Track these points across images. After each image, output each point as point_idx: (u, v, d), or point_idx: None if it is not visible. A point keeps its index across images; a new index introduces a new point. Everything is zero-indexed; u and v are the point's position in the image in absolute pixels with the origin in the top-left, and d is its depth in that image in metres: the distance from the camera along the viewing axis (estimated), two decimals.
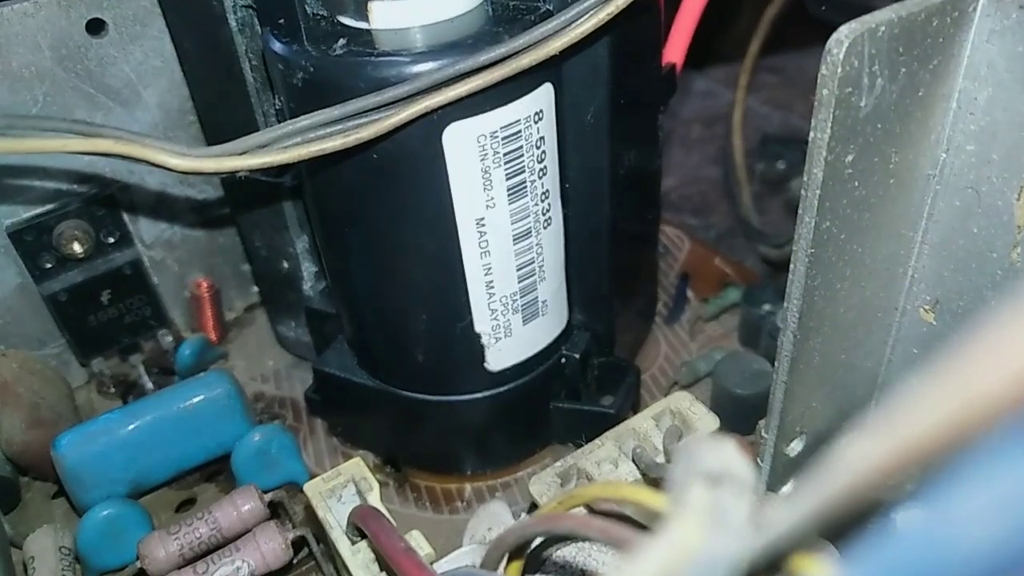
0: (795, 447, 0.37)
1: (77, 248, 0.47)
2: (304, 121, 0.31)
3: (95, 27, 0.44)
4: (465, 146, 0.33)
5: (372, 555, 0.32)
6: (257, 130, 0.41)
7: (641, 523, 0.23)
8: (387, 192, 0.35)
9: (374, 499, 0.34)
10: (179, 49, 0.42)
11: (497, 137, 0.33)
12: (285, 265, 0.47)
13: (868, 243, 0.32)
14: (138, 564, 0.38)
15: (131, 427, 0.42)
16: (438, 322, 0.39)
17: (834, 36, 0.26)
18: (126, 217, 0.49)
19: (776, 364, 0.34)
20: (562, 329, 0.42)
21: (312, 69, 0.32)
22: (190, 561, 0.37)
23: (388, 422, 0.44)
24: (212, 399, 0.43)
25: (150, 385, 0.51)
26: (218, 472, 0.46)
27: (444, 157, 0.33)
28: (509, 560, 0.26)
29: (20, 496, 0.45)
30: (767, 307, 0.48)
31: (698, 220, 0.73)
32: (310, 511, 0.42)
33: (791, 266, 0.31)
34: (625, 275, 0.45)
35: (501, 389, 0.42)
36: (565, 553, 0.29)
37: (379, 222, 0.36)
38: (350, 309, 0.42)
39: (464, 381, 0.41)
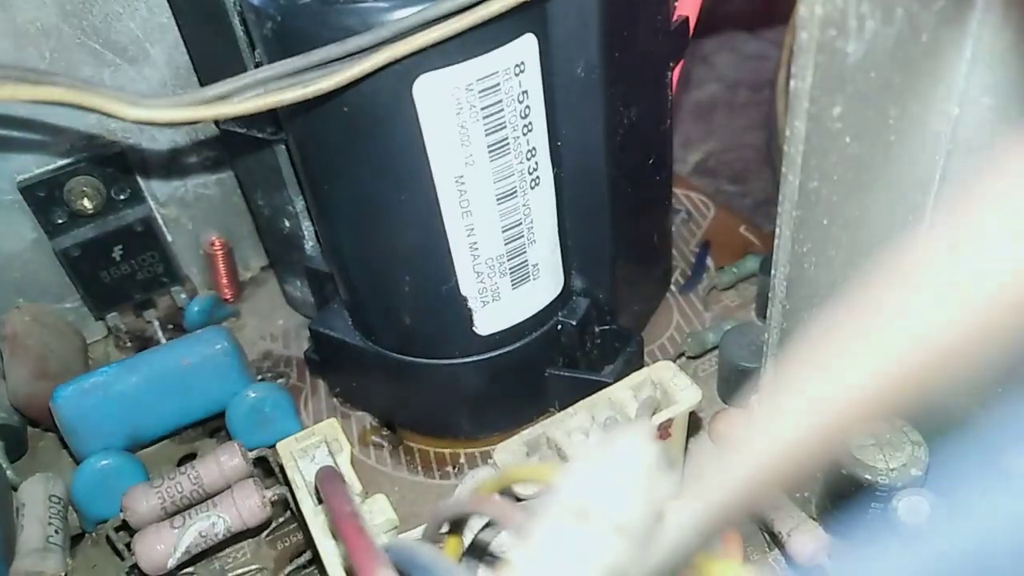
0: None
1: (87, 204, 0.48)
2: (266, 72, 0.30)
3: None
4: (438, 99, 0.32)
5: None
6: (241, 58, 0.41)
7: None
8: (362, 148, 0.34)
9: (343, 460, 0.34)
10: (172, 4, 0.42)
11: (473, 90, 0.32)
12: (287, 224, 0.46)
13: (868, 206, 0.29)
14: (121, 516, 0.38)
15: (128, 381, 0.42)
16: (423, 284, 0.38)
17: None
18: (137, 174, 0.49)
19: (766, 336, 0.32)
20: (557, 294, 0.41)
21: (280, 18, 0.31)
22: (171, 515, 0.38)
23: (382, 384, 0.43)
24: (209, 355, 0.43)
25: (164, 339, 0.52)
26: (219, 428, 0.46)
27: (416, 111, 0.32)
28: (449, 534, 0.25)
29: (27, 445, 0.46)
30: None
31: (735, 187, 0.70)
32: None
33: (775, 230, 0.29)
34: (630, 240, 0.43)
35: (493, 354, 0.40)
36: (504, 539, 0.28)
37: (356, 179, 0.35)
38: (339, 270, 0.41)
39: (454, 345, 0.40)
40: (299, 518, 0.38)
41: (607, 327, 0.43)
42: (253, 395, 0.43)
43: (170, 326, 0.53)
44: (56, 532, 0.38)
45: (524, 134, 0.34)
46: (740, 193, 0.69)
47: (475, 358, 0.40)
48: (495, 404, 0.43)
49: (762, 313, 0.48)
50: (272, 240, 0.49)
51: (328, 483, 0.29)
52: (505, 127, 0.34)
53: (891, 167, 0.29)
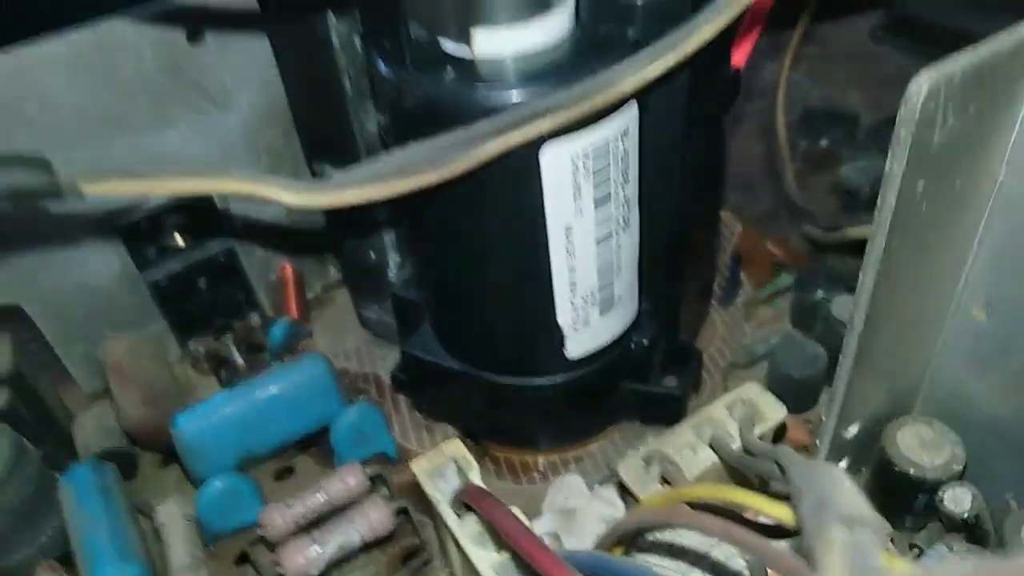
0: (852, 430, 0.41)
1: (179, 240, 0.51)
2: (411, 150, 0.34)
3: (194, 36, 0.47)
4: (560, 164, 0.36)
5: (479, 528, 0.36)
6: (351, 135, 0.45)
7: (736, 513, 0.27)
8: (487, 205, 0.38)
9: (475, 477, 0.38)
10: (281, 63, 0.45)
11: (588, 155, 0.37)
12: (372, 256, 0.50)
13: (930, 254, 0.35)
14: (257, 531, 0.42)
15: (241, 406, 0.46)
16: (524, 316, 0.42)
17: (914, 81, 0.28)
18: (221, 211, 0.53)
19: (841, 359, 0.38)
20: (633, 317, 0.46)
21: (424, 95, 0.35)
22: (304, 529, 0.42)
23: (470, 401, 0.48)
24: (312, 381, 0.47)
25: (240, 361, 0.55)
26: (312, 444, 0.50)
27: (540, 174, 0.36)
28: (615, 546, 0.31)
29: (138, 467, 0.50)
30: (820, 293, 0.51)
31: (743, 198, 0.76)
32: (404, 484, 0.47)
33: (860, 276, 0.34)
34: (689, 263, 0.49)
35: (577, 373, 0.45)
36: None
37: (477, 230, 0.40)
38: (441, 302, 0.46)
39: (544, 366, 0.45)
40: (418, 525, 0.43)
41: (669, 342, 0.49)
42: (355, 415, 0.47)
43: (243, 347, 0.56)
44: (198, 549, 0.42)
45: (622, 186, 0.39)
46: (748, 203, 0.75)
47: (562, 377, 0.45)
48: (575, 417, 0.48)
49: (798, 324, 0.54)
50: (353, 269, 0.53)
51: (487, 501, 0.34)
52: (609, 182, 0.38)
53: (951, 223, 0.35)
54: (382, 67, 0.37)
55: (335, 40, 0.41)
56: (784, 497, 0.25)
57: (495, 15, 0.35)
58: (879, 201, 0.31)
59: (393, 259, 0.50)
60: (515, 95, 0.34)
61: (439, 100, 0.35)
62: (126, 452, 0.48)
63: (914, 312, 0.38)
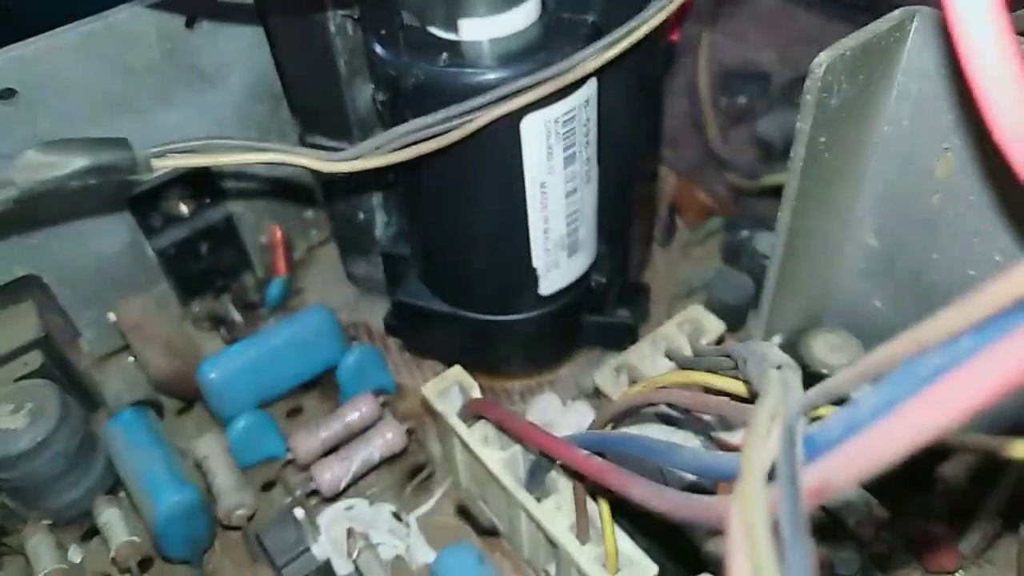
0: (775, 341, 0.51)
1: (184, 209, 0.56)
2: (415, 123, 0.41)
3: (191, 22, 0.52)
4: (537, 130, 0.44)
5: (484, 432, 0.44)
6: (344, 111, 0.51)
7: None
8: (474, 168, 0.45)
9: (476, 394, 0.46)
10: (278, 45, 0.51)
11: (559, 121, 0.44)
12: (361, 216, 0.57)
13: (831, 193, 0.44)
14: (288, 456, 0.49)
15: (257, 353, 0.52)
16: (505, 262, 0.50)
17: (816, 60, 0.37)
18: (220, 181, 0.58)
19: (765, 283, 0.47)
20: (593, 259, 0.54)
21: (423, 77, 0.42)
22: (328, 452, 0.49)
23: (456, 338, 0.56)
24: (318, 328, 0.54)
25: (239, 318, 0.61)
26: (313, 385, 0.57)
27: (520, 140, 0.44)
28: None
29: (164, 414, 0.56)
30: (744, 232, 0.61)
31: (671, 151, 0.85)
32: (405, 411, 0.54)
33: (779, 214, 0.43)
34: (635, 211, 0.57)
35: (548, 309, 0.53)
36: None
37: (465, 190, 0.47)
38: (431, 253, 0.53)
39: (521, 304, 0.53)
40: (441, 442, 0.50)
41: (622, 280, 0.57)
42: (358, 355, 0.54)
43: (239, 306, 0.62)
44: (239, 473, 0.49)
45: (585, 147, 0.47)
46: (676, 157, 0.84)
47: (536, 312, 0.53)
48: (546, 347, 0.56)
49: (727, 260, 0.63)
50: (343, 229, 0.59)
51: (495, 408, 0.42)
52: (575, 144, 0.46)
53: (847, 167, 0.44)
54: (382, 52, 0.44)
55: (331, 26, 0.47)
56: (732, 378, 0.33)
57: (477, 8, 0.42)
58: (792, 152, 0.40)
59: (380, 219, 0.57)
60: (497, 74, 0.42)
61: (434, 80, 0.42)
62: (155, 401, 0.54)
63: (820, 241, 0.47)
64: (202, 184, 0.57)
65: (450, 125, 0.41)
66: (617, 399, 0.38)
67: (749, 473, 0.21)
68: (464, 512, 0.50)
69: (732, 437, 0.39)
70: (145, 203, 0.55)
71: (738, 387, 0.31)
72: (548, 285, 0.52)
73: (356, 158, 0.40)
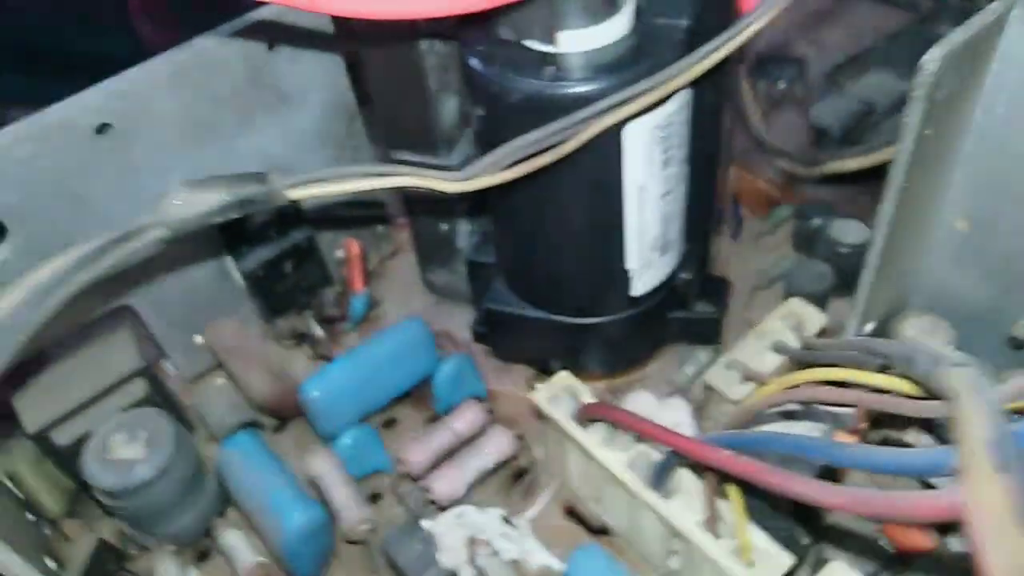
0: (867, 328, 0.52)
1: (270, 231, 0.57)
2: (529, 138, 0.42)
3: (272, 44, 0.53)
4: (638, 137, 0.44)
5: (603, 435, 0.45)
6: (431, 126, 0.52)
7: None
8: (575, 176, 0.46)
9: (587, 398, 0.47)
10: (367, 66, 0.51)
11: (660, 127, 0.45)
12: (444, 227, 0.58)
13: (929, 182, 0.45)
14: (399, 468, 0.50)
15: (358, 370, 0.53)
16: (600, 265, 0.51)
17: (927, 56, 0.38)
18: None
19: (862, 272, 0.48)
20: (681, 257, 0.55)
21: (529, 91, 0.43)
22: (438, 462, 0.50)
23: (547, 342, 0.56)
24: (414, 340, 0.55)
25: (321, 334, 0.62)
26: (406, 396, 0.58)
27: (621, 146, 0.45)
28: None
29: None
30: (817, 220, 0.62)
31: None
32: (502, 416, 0.55)
33: (882, 203, 0.44)
34: (714, 206, 0.58)
35: (638, 309, 0.54)
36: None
37: (564, 198, 0.48)
38: (522, 260, 0.54)
39: (613, 305, 0.54)
40: (547, 447, 0.51)
41: (704, 275, 0.58)
42: (453, 365, 0.55)
43: (320, 321, 0.63)
44: (355, 489, 0.49)
45: (679, 149, 0.48)
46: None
47: (626, 313, 0.54)
48: (635, 346, 0.57)
49: (799, 248, 0.64)
50: (426, 239, 0.60)
51: (615, 410, 0.43)
52: (673, 147, 0.47)
53: (945, 155, 0.45)
54: (482, 69, 0.44)
55: (422, 44, 0.48)
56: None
57: (577, 19, 0.43)
58: (897, 145, 0.41)
59: (463, 228, 0.58)
60: (601, 84, 0.42)
61: (540, 94, 0.43)
62: (256, 422, 0.55)
63: (914, 228, 0.48)
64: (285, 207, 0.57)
65: (561, 137, 0.42)
66: (754, 398, 0.39)
67: (980, 466, 0.22)
68: (572, 513, 0.51)
69: (905, 435, 0.40)
70: (232, 227, 0.56)
71: (903, 385, 0.32)
72: (641, 286, 0.53)
73: (476, 176, 0.41)
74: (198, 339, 0.59)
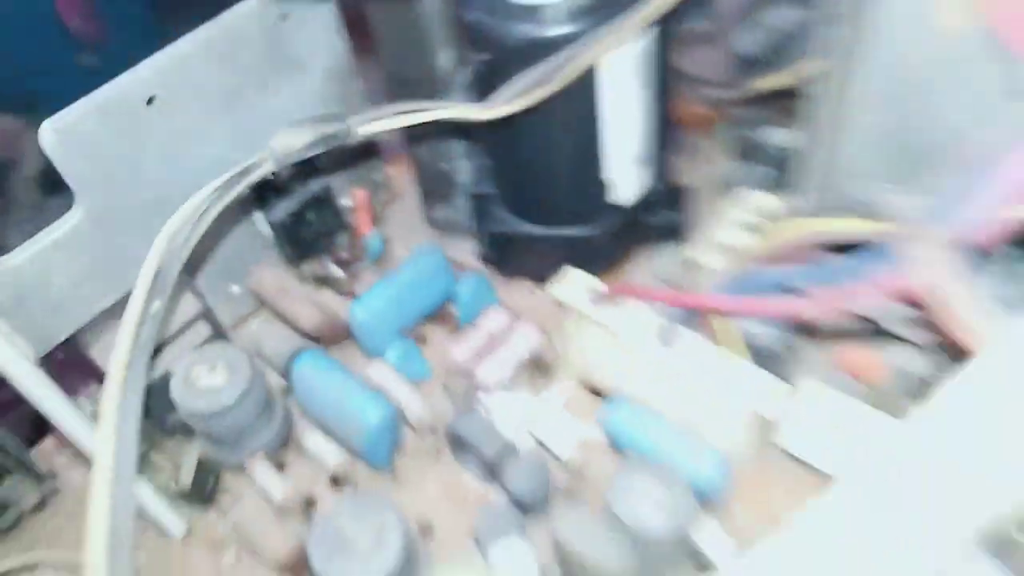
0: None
1: (294, 184, 0.64)
2: (537, 71, 0.51)
3: (283, 17, 0.60)
4: (621, 66, 0.54)
5: (610, 314, 0.55)
6: (432, 77, 0.60)
7: None
8: (568, 103, 0.55)
9: (597, 287, 0.57)
10: (375, 19, 0.59)
11: (638, 56, 0.55)
12: (444, 166, 0.66)
13: (850, 72, 0.57)
14: (445, 367, 0.59)
15: (394, 292, 0.61)
16: (590, 180, 0.61)
17: None
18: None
19: (798, 161, 0.59)
20: (652, 170, 0.66)
21: (529, 35, 0.52)
22: (477, 358, 0.59)
23: (548, 255, 0.66)
24: (435, 265, 0.63)
25: (341, 274, 0.70)
26: (431, 316, 0.66)
27: (606, 77, 0.54)
28: None
29: None
30: (751, 132, 0.73)
31: None
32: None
33: (805, 110, 0.55)
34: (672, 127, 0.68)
35: (620, 216, 0.65)
36: None
37: (560, 123, 0.57)
38: (522, 184, 0.63)
39: (600, 215, 0.64)
40: (564, 336, 0.61)
41: (668, 184, 0.69)
42: (473, 283, 0.64)
43: (338, 263, 0.71)
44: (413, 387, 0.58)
45: (651, 75, 0.58)
46: None
47: (611, 220, 0.64)
48: (619, 250, 0.68)
49: (740, 158, 0.75)
50: (429, 178, 0.68)
51: (631, 286, 0.53)
52: (646, 74, 0.57)
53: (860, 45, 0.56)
54: (486, 19, 0.53)
55: (425, 5, 0.56)
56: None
57: None
58: (817, 43, 0.52)
59: (463, 166, 0.66)
60: (582, 26, 0.52)
61: (538, 38, 0.52)
62: (306, 348, 0.62)
63: (832, 124, 0.60)
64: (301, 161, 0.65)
65: (559, 71, 0.51)
66: (750, 253, 0.50)
67: (926, 237, 0.33)
68: (594, 392, 0.61)
69: None
70: (260, 184, 0.63)
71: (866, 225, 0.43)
72: (624, 195, 0.63)
73: (502, 104, 0.50)
74: (235, 288, 0.66)
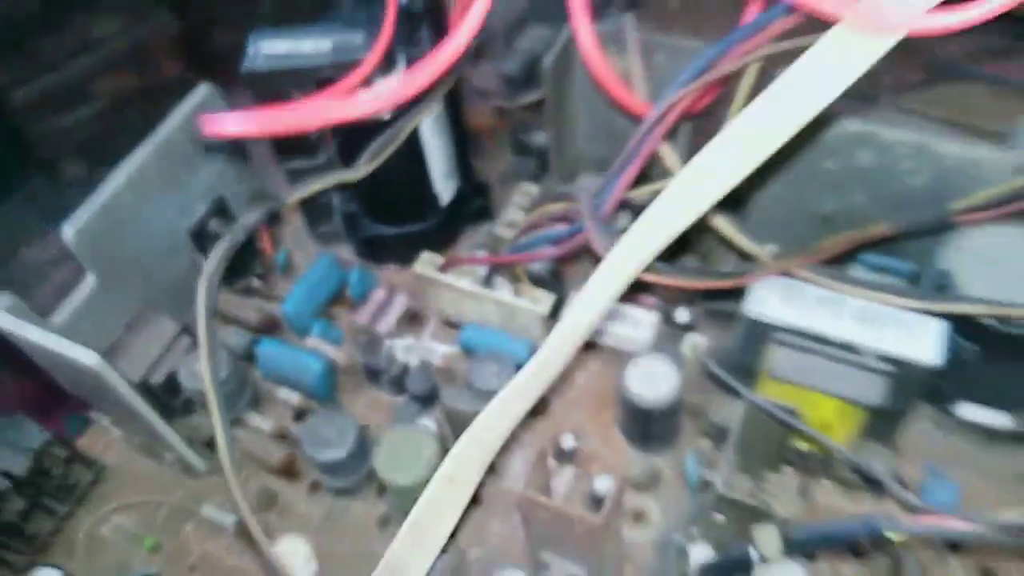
0: (561, 188, 1.00)
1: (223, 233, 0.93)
2: (383, 138, 0.84)
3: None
4: (426, 124, 0.88)
5: (453, 275, 0.90)
6: (312, 144, 0.92)
7: None
8: (400, 152, 0.89)
9: (440, 260, 0.91)
10: None
11: (437, 115, 0.89)
12: (322, 198, 0.97)
13: (563, 99, 0.94)
14: (352, 329, 0.92)
15: (307, 288, 0.93)
16: (420, 192, 0.94)
17: (545, 59, 0.84)
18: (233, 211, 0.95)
19: (550, 153, 0.95)
20: (463, 174, 1.00)
21: (373, 118, 0.84)
22: (374, 318, 0.92)
23: (402, 245, 0.99)
24: (331, 264, 0.95)
25: (261, 284, 1.00)
26: (332, 301, 0.98)
27: (421, 131, 0.88)
28: None
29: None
30: (523, 135, 1.09)
31: None
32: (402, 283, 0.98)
33: (547, 116, 0.91)
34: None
35: (444, 213, 0.99)
36: None
37: (395, 163, 0.90)
38: (375, 201, 0.96)
39: (431, 214, 0.98)
40: (431, 290, 0.95)
41: (473, 183, 1.04)
42: (359, 272, 0.96)
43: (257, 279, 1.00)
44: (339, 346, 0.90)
45: (447, 120, 0.92)
46: None
47: (439, 217, 0.98)
48: (446, 235, 1.02)
49: (516, 154, 1.11)
50: (313, 211, 0.99)
51: (463, 258, 0.88)
52: (443, 121, 0.91)
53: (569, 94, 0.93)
54: None
55: None
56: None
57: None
58: (544, 86, 0.88)
59: (335, 195, 0.98)
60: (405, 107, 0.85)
61: (376, 119, 0.84)
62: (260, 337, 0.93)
63: (566, 122, 0.96)
64: (226, 212, 0.94)
65: (396, 134, 0.84)
66: (523, 222, 0.85)
67: (588, 210, 0.69)
68: (446, 322, 0.95)
69: None
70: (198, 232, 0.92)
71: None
72: (445, 198, 0.97)
73: (365, 164, 0.82)
74: None
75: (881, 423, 0.73)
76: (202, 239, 0.93)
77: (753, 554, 0.62)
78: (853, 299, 0.69)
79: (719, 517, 0.68)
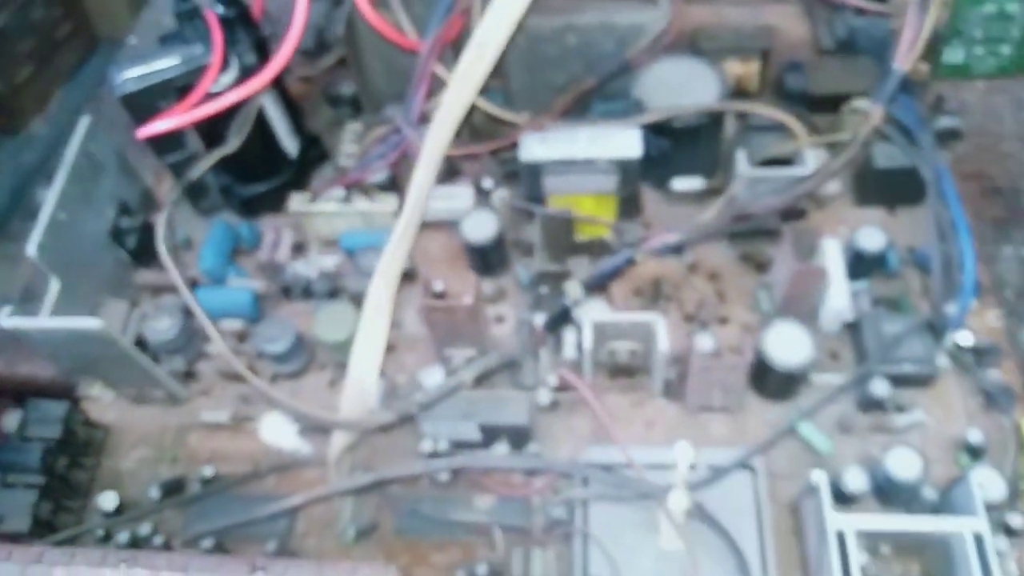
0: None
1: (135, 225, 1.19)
2: (240, 117, 1.13)
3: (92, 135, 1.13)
4: (265, 103, 1.18)
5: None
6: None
7: None
8: (254, 128, 1.18)
9: (311, 194, 1.22)
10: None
11: (269, 93, 1.18)
12: (200, 176, 1.25)
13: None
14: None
15: (213, 249, 1.21)
16: (275, 153, 1.24)
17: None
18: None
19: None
20: (297, 133, 1.30)
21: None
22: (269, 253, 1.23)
23: (273, 197, 1.28)
24: (224, 226, 1.24)
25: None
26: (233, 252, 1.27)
27: (264, 107, 1.17)
28: None
29: None
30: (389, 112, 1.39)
31: None
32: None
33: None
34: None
35: (298, 163, 1.29)
36: None
37: (251, 137, 1.19)
38: (241, 169, 1.24)
39: (288, 167, 1.28)
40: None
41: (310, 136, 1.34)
42: (246, 225, 1.25)
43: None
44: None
45: (278, 93, 1.21)
46: None
47: (294, 167, 1.29)
48: (304, 177, 1.32)
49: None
50: (194, 191, 1.26)
51: (321, 187, 1.19)
52: (270, 102, 1.20)
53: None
54: None
55: None
56: None
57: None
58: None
59: (210, 176, 1.25)
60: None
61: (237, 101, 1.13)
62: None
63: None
64: (129, 211, 1.20)
65: (249, 114, 1.13)
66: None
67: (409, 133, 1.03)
68: (324, 241, 1.27)
69: None
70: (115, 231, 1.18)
71: None
72: (292, 152, 1.27)
73: (233, 141, 1.11)
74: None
75: (626, 205, 1.13)
76: (119, 236, 1.19)
77: (567, 301, 1.01)
78: (583, 131, 1.07)
79: (543, 289, 1.07)
